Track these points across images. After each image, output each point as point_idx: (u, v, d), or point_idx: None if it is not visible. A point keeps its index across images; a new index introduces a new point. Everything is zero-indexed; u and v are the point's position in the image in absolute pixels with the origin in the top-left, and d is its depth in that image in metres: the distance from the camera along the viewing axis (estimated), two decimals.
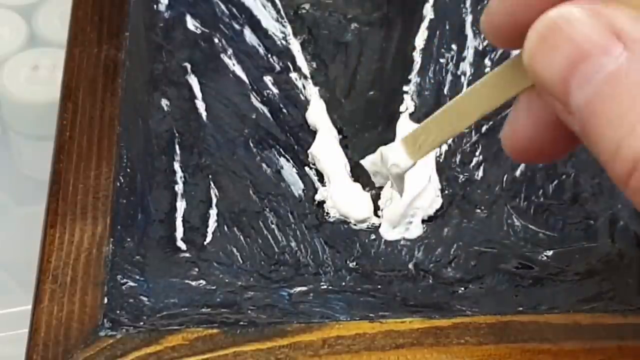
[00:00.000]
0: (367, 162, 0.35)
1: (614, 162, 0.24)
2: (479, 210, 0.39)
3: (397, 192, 0.36)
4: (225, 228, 0.38)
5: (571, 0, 0.26)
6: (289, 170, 0.40)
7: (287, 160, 0.41)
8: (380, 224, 0.39)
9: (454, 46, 0.44)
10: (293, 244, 0.38)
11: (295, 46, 0.45)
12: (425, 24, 0.45)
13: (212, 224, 0.38)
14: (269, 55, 0.44)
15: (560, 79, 0.26)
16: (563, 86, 0.26)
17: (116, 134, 0.40)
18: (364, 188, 0.39)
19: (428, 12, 0.46)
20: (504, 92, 0.30)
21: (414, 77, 0.43)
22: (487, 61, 0.43)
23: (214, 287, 0.36)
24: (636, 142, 0.24)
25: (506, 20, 0.28)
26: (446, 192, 0.39)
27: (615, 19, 0.25)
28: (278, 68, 0.44)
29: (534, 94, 0.28)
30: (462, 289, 0.37)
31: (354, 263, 0.37)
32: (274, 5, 0.46)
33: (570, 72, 0.25)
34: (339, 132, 0.42)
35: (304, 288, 0.37)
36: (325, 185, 0.40)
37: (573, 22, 0.25)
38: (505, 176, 0.40)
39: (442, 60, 0.44)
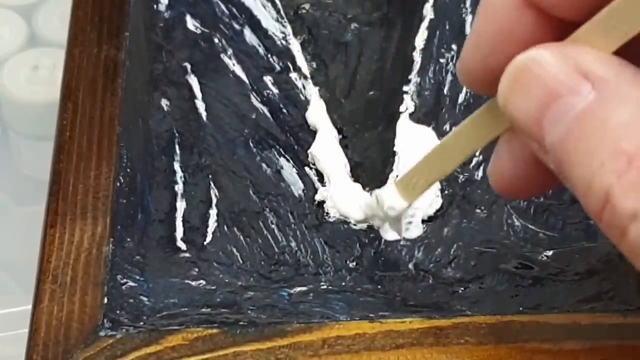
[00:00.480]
0: (364, 207, 0.37)
1: (587, 197, 0.25)
2: (479, 210, 0.39)
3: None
4: (225, 228, 0.38)
5: (540, 44, 0.27)
6: (289, 170, 0.40)
7: (287, 160, 0.41)
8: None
9: (454, 46, 0.44)
10: (293, 244, 0.38)
11: (295, 46, 0.45)
12: (425, 24, 0.45)
13: (212, 224, 0.38)
14: (269, 55, 0.44)
15: (534, 120, 0.26)
16: (537, 126, 0.26)
17: (116, 134, 0.40)
18: (364, 188, 0.39)
19: (428, 12, 0.46)
20: (485, 133, 0.31)
21: (414, 77, 0.43)
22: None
23: (214, 287, 0.36)
24: (605, 176, 0.25)
25: (480, 67, 0.29)
26: (446, 192, 0.39)
27: (582, 59, 0.26)
28: (278, 68, 0.44)
29: (514, 134, 0.29)
30: (462, 289, 0.37)
31: (354, 263, 0.37)
32: (274, 5, 0.46)
33: (542, 113, 0.26)
34: (339, 132, 0.42)
35: (304, 288, 0.37)
36: (325, 185, 0.40)
37: (542, 64, 0.26)
38: None
39: (442, 60, 0.44)
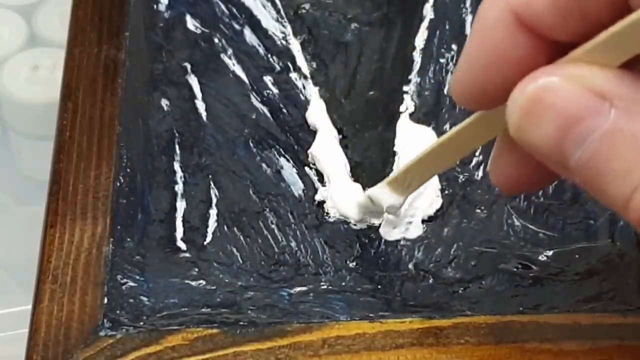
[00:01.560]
0: (359, 208, 0.38)
1: (627, 210, 0.26)
2: (479, 210, 0.39)
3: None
4: (225, 228, 0.38)
5: (534, 65, 0.27)
6: (289, 170, 0.40)
7: (287, 160, 0.41)
8: (380, 224, 0.39)
9: (454, 46, 0.44)
10: (293, 244, 0.38)
11: (295, 46, 0.45)
12: (425, 24, 0.45)
13: (212, 224, 0.38)
14: (269, 55, 0.44)
15: (554, 146, 0.27)
16: (558, 152, 0.27)
17: (116, 134, 0.40)
18: (364, 188, 0.39)
19: (428, 12, 0.46)
20: (484, 134, 0.31)
21: (414, 77, 0.43)
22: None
23: (214, 287, 0.36)
24: None
25: (474, 86, 0.29)
26: (446, 192, 0.39)
27: (594, 80, 0.26)
28: (278, 68, 0.44)
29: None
30: (462, 289, 0.37)
31: (354, 263, 0.37)
32: (274, 5, 0.46)
33: (563, 138, 0.27)
34: (339, 132, 0.42)
35: (304, 288, 0.37)
36: (325, 185, 0.40)
37: (555, 91, 0.27)
38: None
39: (442, 60, 0.44)
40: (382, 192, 0.36)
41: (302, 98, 0.43)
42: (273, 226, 0.38)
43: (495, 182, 0.32)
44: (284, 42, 0.45)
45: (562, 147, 0.27)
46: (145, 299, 0.36)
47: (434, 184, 0.39)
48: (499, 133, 0.31)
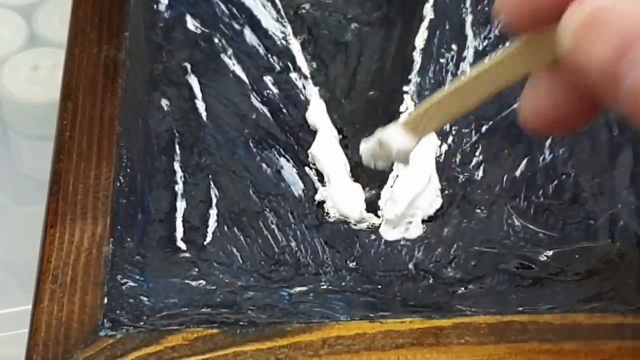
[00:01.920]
0: (365, 152, 0.34)
1: None
2: (479, 210, 0.39)
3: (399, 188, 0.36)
4: (225, 228, 0.38)
5: None
6: (289, 170, 0.40)
7: (287, 160, 0.41)
8: (380, 224, 0.39)
9: (454, 46, 0.44)
10: (293, 244, 0.38)
11: (295, 46, 0.45)
12: (425, 24, 0.45)
13: (212, 224, 0.38)
14: (269, 55, 0.44)
15: (609, 67, 0.26)
16: (612, 73, 0.26)
17: (116, 134, 0.40)
18: (363, 188, 0.39)
19: (428, 12, 0.45)
20: (516, 70, 0.30)
21: (414, 77, 0.43)
22: (487, 61, 0.43)
23: (214, 287, 0.36)
24: None
25: (523, 4, 0.29)
26: (446, 192, 0.39)
27: None
28: (278, 68, 0.44)
29: (553, 69, 0.29)
30: (462, 289, 0.37)
31: (354, 263, 0.37)
32: (274, 5, 0.46)
33: (619, 58, 0.26)
34: (339, 132, 0.42)
35: (304, 288, 0.37)
36: (325, 185, 0.40)
37: (613, 9, 0.26)
38: (505, 176, 0.40)
39: (442, 60, 0.44)
40: (393, 133, 0.32)
41: (302, 98, 0.43)
42: (273, 226, 0.38)
43: (528, 121, 0.30)
44: (284, 42, 0.45)
45: (616, 68, 0.26)
46: (145, 299, 0.36)
47: (434, 184, 0.39)
48: (540, 63, 0.30)
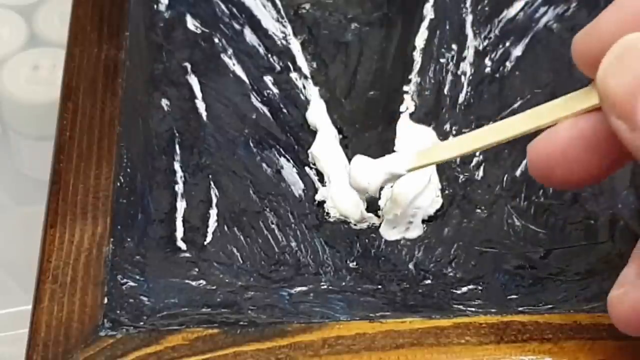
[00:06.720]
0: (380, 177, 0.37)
1: None
2: (479, 210, 0.39)
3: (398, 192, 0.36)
4: (225, 228, 0.38)
5: None
6: (289, 170, 0.40)
7: (287, 160, 0.41)
8: (380, 224, 0.39)
9: (454, 46, 0.44)
10: (293, 244, 0.38)
11: (295, 46, 0.45)
12: (425, 24, 0.45)
13: (212, 224, 0.38)
14: (269, 55, 0.44)
15: (628, 95, 0.27)
16: (630, 102, 0.27)
17: (116, 134, 0.40)
18: None
19: (428, 12, 0.45)
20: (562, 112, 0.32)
21: (414, 77, 0.43)
22: (487, 61, 0.43)
23: (214, 287, 0.36)
24: None
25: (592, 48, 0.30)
26: (446, 192, 0.39)
27: None
28: (278, 68, 0.44)
29: (582, 119, 0.31)
30: (462, 289, 0.37)
31: (354, 263, 0.37)
32: (274, 5, 0.46)
33: (638, 89, 0.27)
34: (339, 132, 0.42)
35: (304, 288, 0.37)
36: (325, 185, 0.40)
37: None
38: (506, 176, 0.40)
39: (442, 60, 0.44)
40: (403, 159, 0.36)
41: (302, 98, 0.43)
42: (273, 226, 0.38)
43: (541, 172, 0.32)
44: (284, 42, 0.45)
45: (634, 98, 0.27)
46: (145, 299, 0.36)
47: (434, 184, 0.39)
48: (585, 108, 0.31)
